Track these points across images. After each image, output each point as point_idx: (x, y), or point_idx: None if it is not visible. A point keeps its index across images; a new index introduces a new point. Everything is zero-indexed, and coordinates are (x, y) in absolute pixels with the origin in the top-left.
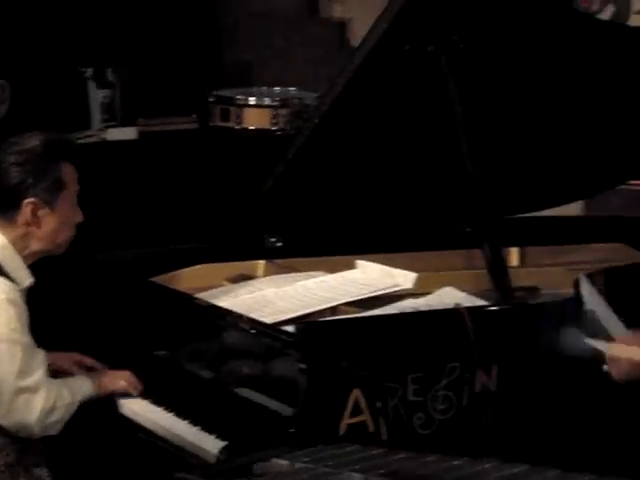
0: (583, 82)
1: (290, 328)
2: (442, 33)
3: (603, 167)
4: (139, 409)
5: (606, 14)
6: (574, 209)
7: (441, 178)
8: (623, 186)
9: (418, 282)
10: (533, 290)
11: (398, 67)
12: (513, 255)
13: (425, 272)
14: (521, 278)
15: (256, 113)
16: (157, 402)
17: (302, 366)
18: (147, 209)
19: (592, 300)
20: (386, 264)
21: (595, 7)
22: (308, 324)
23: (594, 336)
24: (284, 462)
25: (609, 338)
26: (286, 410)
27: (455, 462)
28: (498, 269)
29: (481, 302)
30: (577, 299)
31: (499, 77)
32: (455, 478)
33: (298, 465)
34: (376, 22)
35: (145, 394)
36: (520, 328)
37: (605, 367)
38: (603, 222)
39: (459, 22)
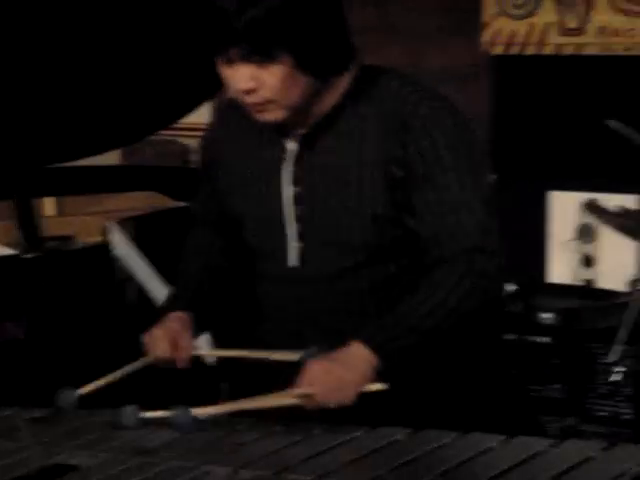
0: (111, 29)
1: None
2: None
3: (136, 117)
4: None
5: None
6: (111, 159)
7: None
8: (155, 137)
9: None
10: (68, 239)
11: None
12: (49, 205)
13: None
14: (57, 227)
15: None
16: None
17: None
18: None
19: (122, 246)
20: None
21: None
22: None
23: (128, 278)
24: None
25: None
26: None
27: None
28: (27, 219)
29: (9, 252)
30: (108, 246)
31: (26, 22)
32: None
33: None
34: None
35: None
36: (51, 276)
37: None
38: (137, 171)
39: None
